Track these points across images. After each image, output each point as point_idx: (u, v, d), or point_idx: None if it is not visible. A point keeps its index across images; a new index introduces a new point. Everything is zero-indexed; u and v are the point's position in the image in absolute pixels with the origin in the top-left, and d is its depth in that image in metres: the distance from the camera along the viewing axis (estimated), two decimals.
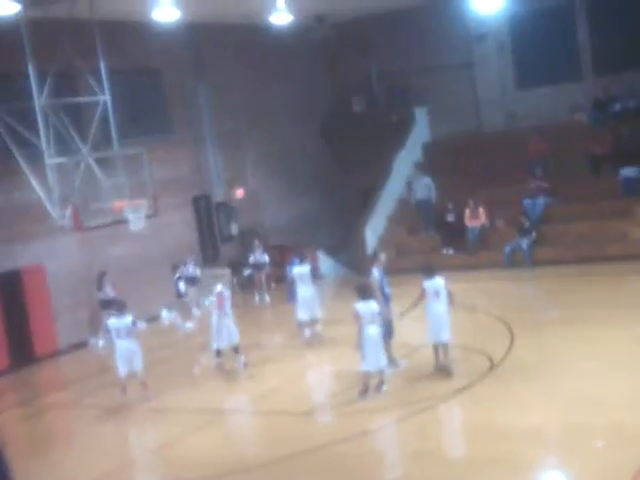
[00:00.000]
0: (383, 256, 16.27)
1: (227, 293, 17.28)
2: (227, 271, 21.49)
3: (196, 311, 24.24)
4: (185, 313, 23.46)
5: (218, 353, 17.25)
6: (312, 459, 12.53)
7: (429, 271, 15.23)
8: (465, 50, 29.57)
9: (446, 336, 15.02)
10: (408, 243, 26.85)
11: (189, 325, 22.92)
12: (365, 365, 14.37)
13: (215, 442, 13.69)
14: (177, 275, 23.67)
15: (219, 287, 17.25)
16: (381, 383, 14.57)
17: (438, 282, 15.10)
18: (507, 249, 24.09)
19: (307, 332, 18.77)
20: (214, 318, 17.16)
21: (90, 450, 14.06)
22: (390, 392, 14.55)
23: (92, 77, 20.44)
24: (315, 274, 19.25)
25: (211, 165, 26.99)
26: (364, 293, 14.45)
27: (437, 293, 15.04)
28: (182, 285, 23.60)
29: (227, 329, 17.01)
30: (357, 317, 14.26)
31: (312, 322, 18.82)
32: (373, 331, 14.29)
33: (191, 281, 23.75)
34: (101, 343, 21.77)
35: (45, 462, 13.82)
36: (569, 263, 22.64)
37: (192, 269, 23.79)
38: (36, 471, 13.43)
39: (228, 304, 17.14)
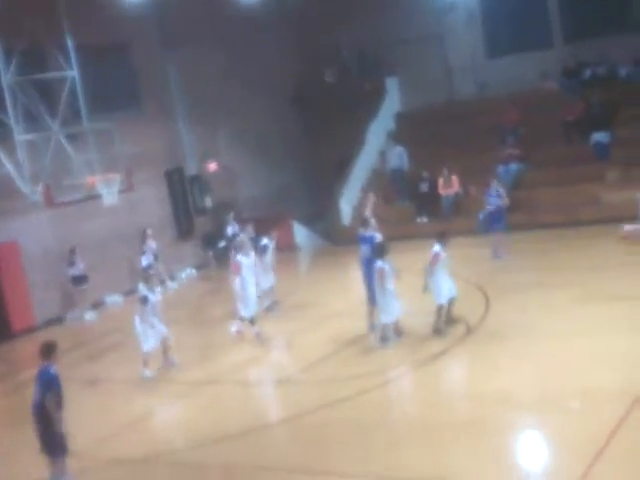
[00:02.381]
0: (373, 221, 16.69)
1: (246, 261, 17.17)
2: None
3: (172, 284, 24.26)
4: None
5: (252, 321, 17.03)
6: (292, 427, 12.67)
7: (443, 237, 15.64)
8: (435, 20, 29.49)
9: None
10: (383, 213, 26.85)
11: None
12: (386, 317, 15.14)
13: (201, 411, 13.77)
14: (143, 249, 23.30)
15: (238, 256, 17.23)
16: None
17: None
18: (481, 216, 24.16)
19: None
20: (237, 285, 17.03)
21: (69, 423, 14.02)
22: (368, 358, 14.70)
23: (59, 53, 20.26)
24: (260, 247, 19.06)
25: (183, 138, 26.86)
26: (384, 252, 15.15)
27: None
28: (144, 259, 23.20)
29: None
30: (382, 273, 14.93)
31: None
32: (392, 285, 15.03)
33: (155, 255, 23.59)
34: (88, 316, 21.77)
35: (24, 436, 13.78)
36: (542, 228, 22.80)
37: (153, 243, 23.56)
38: (16, 445, 13.47)
39: (246, 272, 17.02)
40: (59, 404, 10.80)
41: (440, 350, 14.50)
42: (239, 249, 17.57)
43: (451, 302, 15.52)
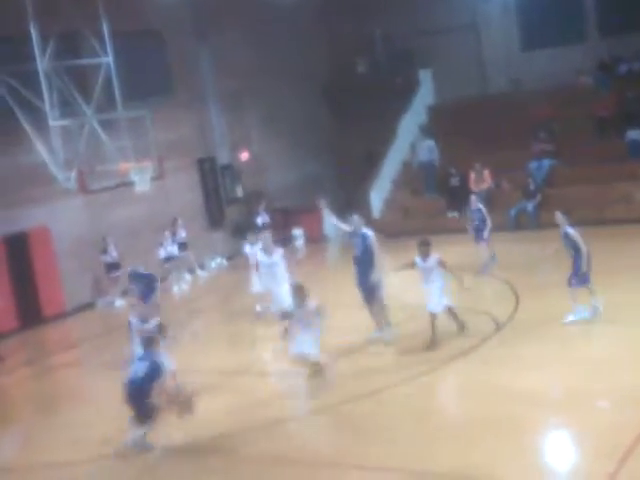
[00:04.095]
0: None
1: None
2: None
3: (202, 273, 24.35)
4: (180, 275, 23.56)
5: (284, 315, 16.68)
6: (322, 418, 12.74)
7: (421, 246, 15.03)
8: (470, 11, 29.35)
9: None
10: (413, 206, 26.83)
11: (184, 286, 23.00)
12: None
13: (227, 401, 13.78)
14: (161, 241, 23.40)
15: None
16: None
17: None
18: (512, 212, 24.09)
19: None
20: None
21: (99, 408, 14.16)
22: (397, 353, 14.75)
23: (95, 39, 20.35)
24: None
25: (215, 127, 26.90)
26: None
27: None
28: (162, 251, 23.37)
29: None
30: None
31: None
32: None
33: (183, 245, 23.72)
34: (118, 304, 21.87)
35: (54, 420, 13.97)
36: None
37: (183, 232, 23.73)
38: (45, 428, 13.62)
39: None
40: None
41: (468, 347, 14.46)
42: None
43: (432, 316, 14.87)
